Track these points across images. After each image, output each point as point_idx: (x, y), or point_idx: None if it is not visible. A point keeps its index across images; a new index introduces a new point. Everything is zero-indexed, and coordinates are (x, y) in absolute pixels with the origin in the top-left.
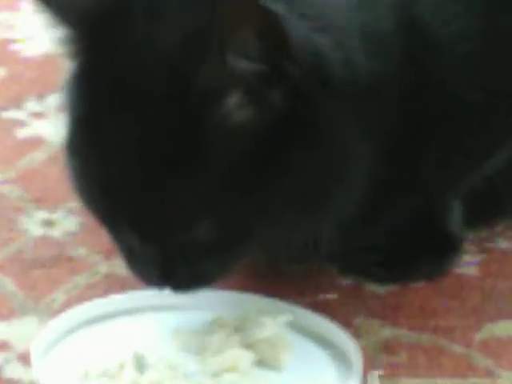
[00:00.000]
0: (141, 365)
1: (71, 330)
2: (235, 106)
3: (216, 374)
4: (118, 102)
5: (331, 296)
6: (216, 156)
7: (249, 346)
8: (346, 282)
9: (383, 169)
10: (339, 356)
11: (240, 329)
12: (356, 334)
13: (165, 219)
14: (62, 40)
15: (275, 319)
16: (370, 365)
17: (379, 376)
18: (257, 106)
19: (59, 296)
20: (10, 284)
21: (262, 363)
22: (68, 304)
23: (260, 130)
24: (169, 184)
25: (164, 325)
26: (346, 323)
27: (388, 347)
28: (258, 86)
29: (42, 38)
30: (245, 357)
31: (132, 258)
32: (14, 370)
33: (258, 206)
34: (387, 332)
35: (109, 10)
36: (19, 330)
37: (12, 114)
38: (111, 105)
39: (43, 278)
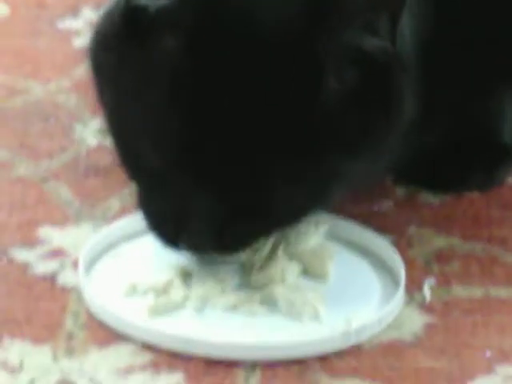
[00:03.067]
0: (188, 279)
1: (117, 242)
2: (336, 76)
3: (264, 287)
4: (230, 71)
5: (385, 205)
6: (322, 122)
7: (293, 256)
8: (399, 191)
9: (435, 93)
10: (380, 264)
11: (282, 239)
12: (409, 243)
13: (258, 181)
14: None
15: (317, 229)
16: (422, 274)
17: (431, 285)
18: (355, 77)
19: (114, 203)
20: (65, 191)
21: (306, 273)
22: (123, 211)
23: (354, 98)
24: (277, 151)
25: None
26: (399, 232)
27: (441, 256)
28: (361, 60)
29: None
30: (291, 268)
31: (178, 226)
32: (69, 277)
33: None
34: (440, 241)
35: None
36: (74, 237)
37: (68, 23)
38: (223, 76)
39: (98, 186)
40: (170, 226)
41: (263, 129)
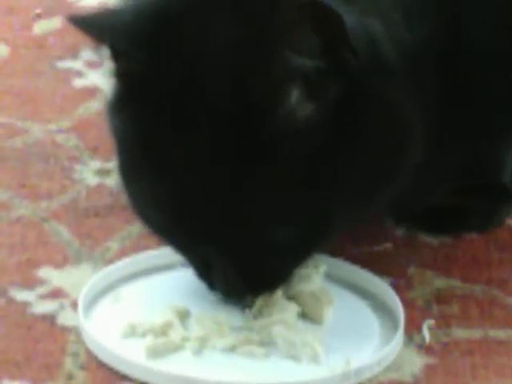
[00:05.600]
0: (187, 320)
1: (116, 283)
2: (296, 102)
3: (263, 328)
4: (179, 115)
5: (385, 246)
6: (286, 157)
7: (291, 298)
8: (399, 232)
9: (434, 132)
10: (379, 306)
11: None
12: (409, 284)
13: (246, 230)
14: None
15: (318, 271)
16: (421, 315)
17: (431, 326)
18: (316, 99)
19: (114, 244)
20: (64, 232)
21: (304, 316)
22: (123, 252)
23: (321, 121)
24: (245, 193)
25: None
26: (399, 273)
27: (440, 298)
28: (317, 80)
29: None
30: (291, 309)
31: (209, 273)
32: (68, 317)
33: (333, 196)
34: (440, 283)
35: (154, 26)
36: (74, 278)
37: (68, 64)
38: (174, 120)
39: (98, 227)
40: (205, 275)
41: (236, 175)
